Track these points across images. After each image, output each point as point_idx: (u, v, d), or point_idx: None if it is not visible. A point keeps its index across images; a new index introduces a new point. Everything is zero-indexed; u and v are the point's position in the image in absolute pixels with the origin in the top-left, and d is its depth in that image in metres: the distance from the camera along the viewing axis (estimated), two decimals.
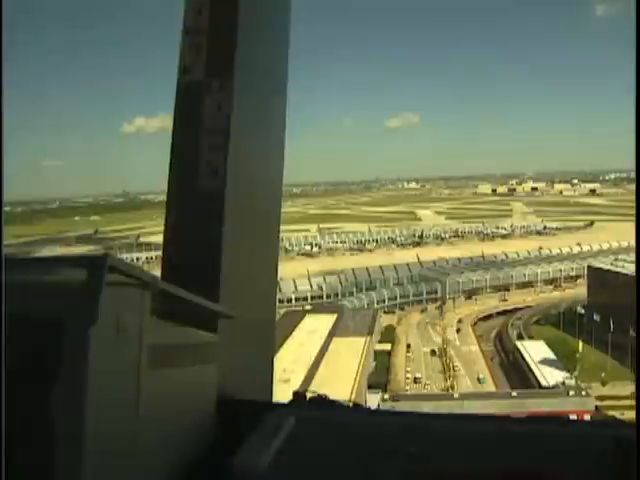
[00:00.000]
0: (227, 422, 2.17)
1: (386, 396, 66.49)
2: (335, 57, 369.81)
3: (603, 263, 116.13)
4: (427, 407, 57.80)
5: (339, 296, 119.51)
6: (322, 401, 2.57)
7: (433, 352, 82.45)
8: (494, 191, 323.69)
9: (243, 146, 2.68)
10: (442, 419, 2.46)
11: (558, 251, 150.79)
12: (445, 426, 2.21)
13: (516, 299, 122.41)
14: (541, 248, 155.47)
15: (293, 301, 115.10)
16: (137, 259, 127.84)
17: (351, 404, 2.76)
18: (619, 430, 2.03)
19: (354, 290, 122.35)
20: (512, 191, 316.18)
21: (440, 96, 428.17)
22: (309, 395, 2.60)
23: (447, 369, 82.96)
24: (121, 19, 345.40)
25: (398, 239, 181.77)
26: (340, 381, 63.57)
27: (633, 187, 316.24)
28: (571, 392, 66.10)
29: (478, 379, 79.83)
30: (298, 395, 2.60)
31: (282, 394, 2.87)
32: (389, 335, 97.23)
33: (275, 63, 3.12)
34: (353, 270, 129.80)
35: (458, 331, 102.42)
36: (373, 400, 63.04)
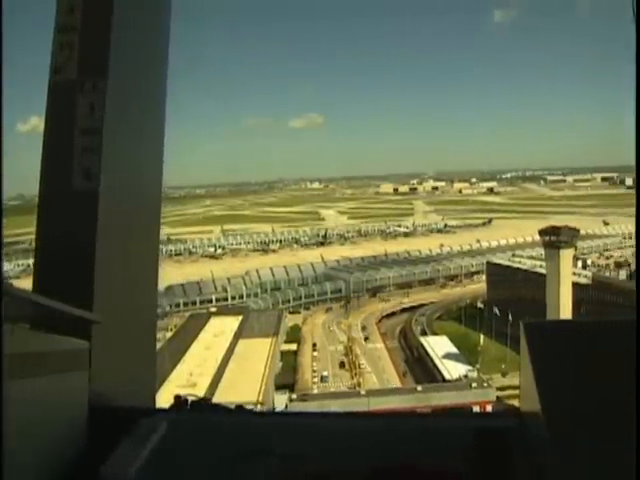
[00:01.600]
0: (100, 429, 2.12)
1: (294, 396, 66.34)
2: (238, 56, 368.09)
3: (501, 259, 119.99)
4: (335, 405, 58.06)
5: (244, 297, 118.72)
6: (204, 404, 2.56)
7: (342, 364, 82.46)
8: (396, 190, 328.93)
9: (118, 147, 2.58)
10: (325, 418, 2.51)
11: (459, 248, 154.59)
12: (326, 425, 2.27)
13: (419, 296, 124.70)
14: (442, 245, 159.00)
15: (198, 304, 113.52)
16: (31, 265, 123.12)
17: (233, 407, 2.71)
18: (482, 421, 2.17)
19: (259, 291, 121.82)
20: (413, 190, 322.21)
21: (344, 97, 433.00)
22: (191, 399, 2.54)
23: (353, 367, 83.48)
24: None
25: (302, 239, 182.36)
26: (247, 383, 63.06)
27: (528, 185, 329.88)
28: (473, 384, 67.85)
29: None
30: (179, 399, 2.52)
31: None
32: (295, 335, 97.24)
33: (153, 63, 3.01)
34: (257, 271, 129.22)
35: (363, 329, 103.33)
36: (281, 401, 62.81)
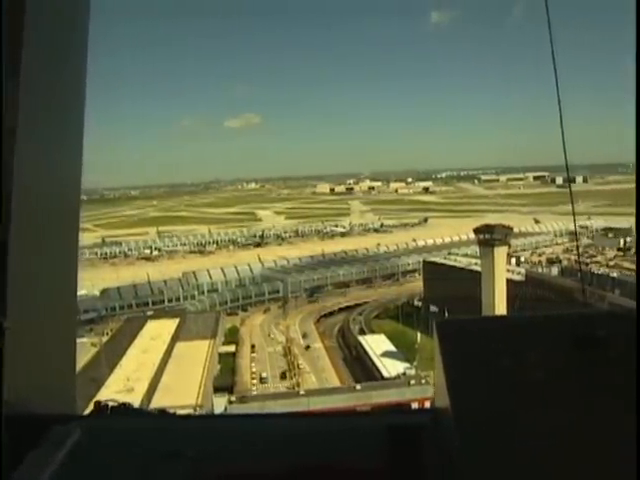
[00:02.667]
0: (14, 438, 2.05)
1: (233, 398, 65.81)
2: (173, 55, 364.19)
3: (437, 257, 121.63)
4: (274, 406, 57.82)
5: (181, 300, 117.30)
6: (125, 409, 2.50)
7: (283, 375, 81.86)
8: (332, 190, 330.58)
9: (33, 147, 2.50)
10: (246, 419, 2.48)
11: (395, 247, 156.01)
12: (247, 426, 2.28)
13: (357, 295, 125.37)
14: (379, 245, 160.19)
15: (134, 307, 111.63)
16: None
17: (156, 411, 2.70)
18: (397, 418, 2.16)
19: (196, 293, 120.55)
20: (350, 190, 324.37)
21: (281, 97, 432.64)
22: (111, 404, 2.49)
23: (292, 367, 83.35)
24: None
25: (239, 240, 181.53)
26: (185, 386, 62.32)
27: (463, 185, 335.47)
28: (412, 381, 68.43)
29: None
30: (99, 405, 2.48)
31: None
32: (233, 337, 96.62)
33: (70, 62, 2.86)
34: (194, 273, 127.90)
35: (303, 333, 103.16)
36: (220, 403, 62.21)
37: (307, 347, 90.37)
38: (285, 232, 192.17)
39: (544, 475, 1.35)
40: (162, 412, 2.65)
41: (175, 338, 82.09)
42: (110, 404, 2.44)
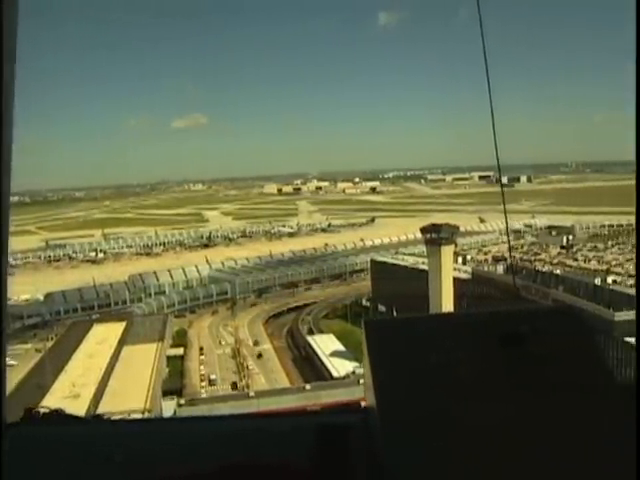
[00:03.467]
0: None
1: (182, 401, 65.23)
2: (119, 56, 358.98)
3: (385, 257, 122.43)
4: (224, 408, 57.55)
5: (127, 302, 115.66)
6: (57, 416, 2.43)
7: (234, 385, 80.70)
8: (280, 191, 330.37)
9: None
10: (180, 422, 2.49)
11: (343, 247, 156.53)
12: (179, 428, 2.26)
13: (305, 295, 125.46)
14: (327, 245, 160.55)
15: (79, 311, 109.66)
16: None
17: (91, 417, 2.55)
18: (327, 418, 2.15)
19: (143, 296, 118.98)
20: (297, 191, 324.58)
21: (229, 97, 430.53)
22: (43, 411, 2.42)
23: (242, 369, 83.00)
24: None
25: (186, 241, 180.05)
26: (133, 391, 61.47)
27: (409, 184, 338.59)
28: (362, 380, 68.61)
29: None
30: (30, 412, 2.40)
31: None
32: (181, 339, 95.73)
33: None
34: (141, 275, 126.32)
35: (250, 330, 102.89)
36: (169, 407, 61.61)
37: (259, 355, 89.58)
38: (233, 233, 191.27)
39: (470, 473, 1.36)
40: (95, 417, 2.55)
41: (122, 342, 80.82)
42: (41, 411, 2.37)
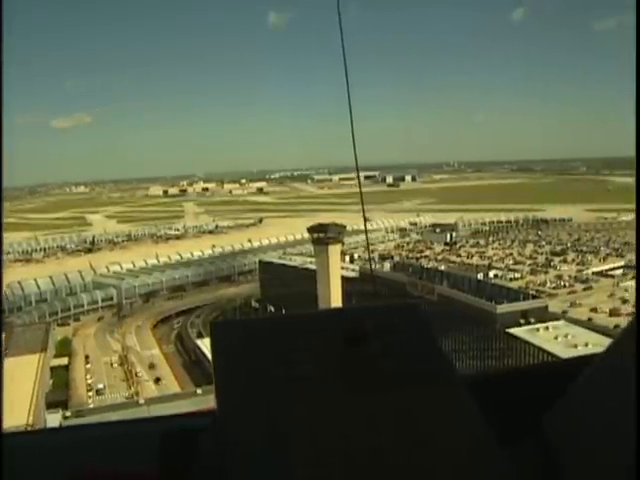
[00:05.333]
0: None
1: (68, 413, 63.19)
2: None
3: (273, 257, 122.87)
4: (114, 417, 56.04)
5: (6, 312, 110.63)
6: None
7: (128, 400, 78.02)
8: (166, 192, 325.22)
9: None
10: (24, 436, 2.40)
11: (231, 248, 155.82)
12: (18, 442, 2.18)
13: (194, 298, 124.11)
14: (214, 246, 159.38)
15: None
16: None
17: None
18: (178, 423, 2.15)
19: (22, 304, 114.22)
20: (183, 192, 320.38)
21: (114, 96, 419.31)
22: None
23: (130, 376, 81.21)
24: None
25: (68, 246, 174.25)
26: (15, 405, 58.81)
27: (296, 185, 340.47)
28: None
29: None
30: None
31: None
32: (65, 349, 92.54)
33: None
34: (20, 283, 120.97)
35: (138, 336, 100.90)
36: (54, 420, 59.50)
37: (150, 365, 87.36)
38: (117, 237, 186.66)
39: (315, 473, 1.37)
40: None
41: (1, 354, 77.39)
42: None
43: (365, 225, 10.13)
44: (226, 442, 1.47)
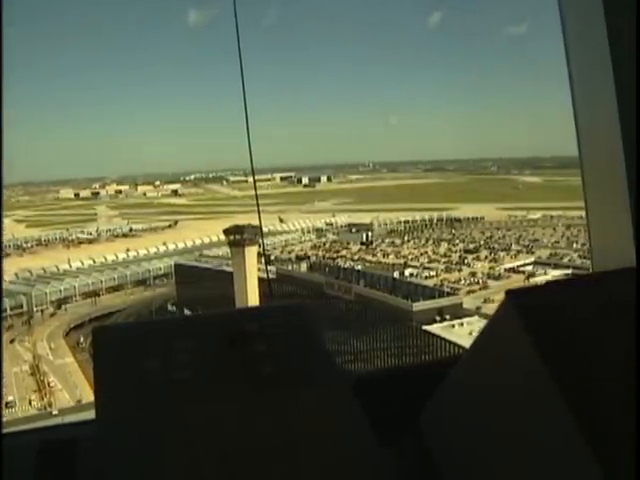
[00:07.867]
0: None
1: None
2: None
3: (189, 260, 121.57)
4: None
5: None
6: None
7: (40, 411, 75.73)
8: (77, 195, 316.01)
9: None
10: None
11: (146, 251, 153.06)
12: None
13: (108, 303, 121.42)
14: (128, 250, 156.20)
15: None
16: None
17: None
18: (53, 433, 2.13)
19: None
20: (96, 195, 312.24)
21: (20, 90, 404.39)
22: None
23: (42, 386, 78.81)
24: None
25: None
26: None
27: (212, 186, 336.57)
28: None
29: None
30: None
31: None
32: None
33: None
34: None
35: (50, 344, 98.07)
36: None
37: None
38: (26, 242, 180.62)
39: (189, 474, 1.36)
40: None
41: None
42: None
43: (260, 225, 10.03)
44: (105, 450, 1.44)
